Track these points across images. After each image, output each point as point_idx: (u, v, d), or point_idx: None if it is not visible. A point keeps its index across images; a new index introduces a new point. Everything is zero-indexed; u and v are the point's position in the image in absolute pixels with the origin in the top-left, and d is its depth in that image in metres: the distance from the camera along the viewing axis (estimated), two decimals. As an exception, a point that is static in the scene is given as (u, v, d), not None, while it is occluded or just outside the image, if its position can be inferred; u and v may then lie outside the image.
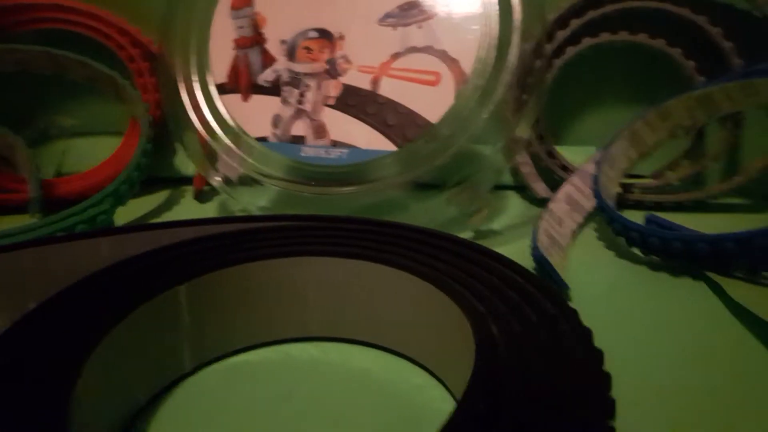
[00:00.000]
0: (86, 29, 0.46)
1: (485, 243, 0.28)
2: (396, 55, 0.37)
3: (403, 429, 0.22)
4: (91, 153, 0.52)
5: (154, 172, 0.48)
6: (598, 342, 0.19)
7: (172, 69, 0.40)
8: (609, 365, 0.18)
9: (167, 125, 0.43)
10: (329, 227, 0.28)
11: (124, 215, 0.42)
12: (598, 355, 0.19)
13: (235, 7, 0.40)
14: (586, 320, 0.20)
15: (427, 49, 0.37)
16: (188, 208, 0.47)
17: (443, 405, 0.22)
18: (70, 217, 0.36)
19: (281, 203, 0.39)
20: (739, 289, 0.30)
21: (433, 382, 0.24)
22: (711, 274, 0.32)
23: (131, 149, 0.47)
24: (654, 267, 0.35)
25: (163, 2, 0.41)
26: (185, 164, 0.52)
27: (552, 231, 0.36)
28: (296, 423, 0.22)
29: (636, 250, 0.36)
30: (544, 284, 0.23)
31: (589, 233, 0.41)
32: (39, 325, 0.20)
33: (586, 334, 0.20)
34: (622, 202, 0.46)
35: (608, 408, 0.17)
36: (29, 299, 0.23)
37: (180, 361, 0.24)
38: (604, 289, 0.32)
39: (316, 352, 0.26)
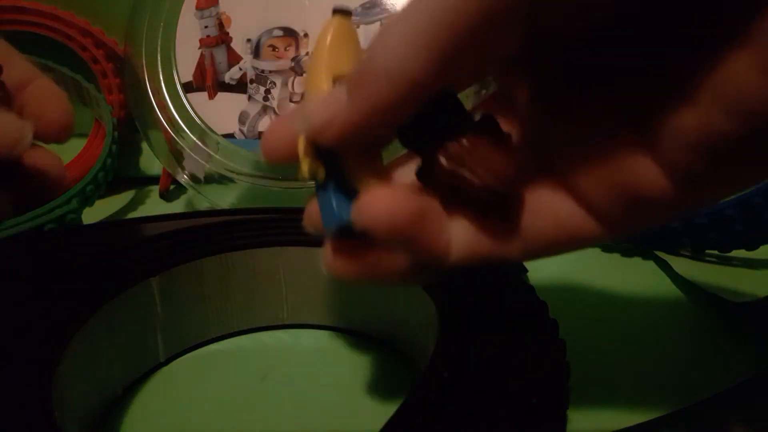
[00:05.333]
0: (48, 31, 0.45)
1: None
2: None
3: (372, 403, 0.23)
4: (54, 155, 0.51)
5: (120, 173, 0.48)
6: (554, 314, 0.21)
7: (138, 69, 0.41)
8: (564, 334, 0.20)
9: (132, 126, 0.43)
10: (300, 218, 0.29)
11: (90, 216, 0.42)
12: (553, 325, 0.20)
13: (200, 7, 0.40)
14: (543, 297, 0.22)
15: (389, 46, 0.38)
16: (155, 208, 0.47)
17: (411, 381, 0.24)
18: (37, 217, 0.36)
19: (249, 199, 0.40)
20: (684, 266, 0.32)
21: (402, 359, 0.25)
22: (660, 253, 0.34)
23: (96, 151, 0.47)
24: (607, 249, 0.36)
25: (127, 3, 0.41)
26: (150, 164, 0.52)
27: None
28: (270, 404, 0.23)
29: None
30: (503, 266, 0.24)
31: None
32: (14, 319, 0.20)
33: (542, 306, 0.21)
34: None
35: (564, 371, 0.18)
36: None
37: (154, 351, 0.25)
38: (560, 270, 0.33)
39: (288, 339, 0.27)
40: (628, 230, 0.15)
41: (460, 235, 0.15)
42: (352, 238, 0.16)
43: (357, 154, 0.15)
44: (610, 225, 0.15)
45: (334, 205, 0.15)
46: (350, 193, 0.15)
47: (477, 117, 0.14)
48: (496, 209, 0.15)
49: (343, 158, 0.15)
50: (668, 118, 0.13)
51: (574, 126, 0.15)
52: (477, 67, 0.14)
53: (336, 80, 0.15)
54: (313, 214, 0.17)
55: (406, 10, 0.13)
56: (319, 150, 0.15)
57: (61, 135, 0.22)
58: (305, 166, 0.15)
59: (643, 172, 0.14)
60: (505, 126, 0.15)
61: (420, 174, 0.15)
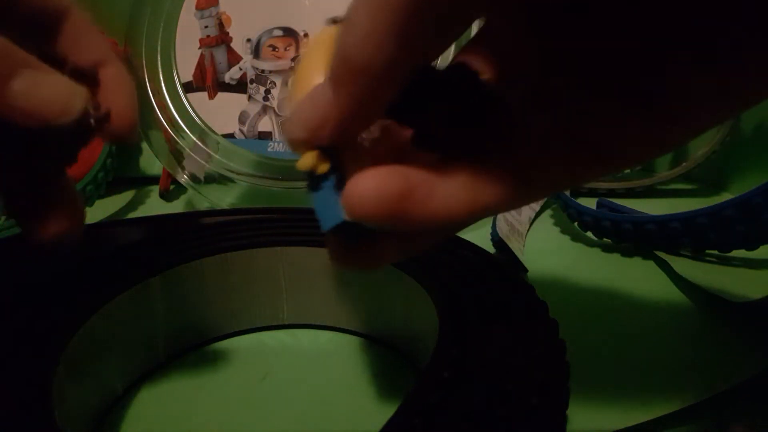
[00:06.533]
0: (47, 30, 0.45)
1: (448, 229, 0.29)
2: (358, 52, 0.38)
3: (372, 403, 0.23)
4: (54, 155, 0.51)
5: (120, 173, 0.48)
6: (554, 314, 0.21)
7: (138, 69, 0.41)
8: (564, 334, 0.20)
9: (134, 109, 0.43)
10: (300, 219, 0.29)
11: (91, 216, 0.42)
12: (553, 325, 0.20)
13: (200, 7, 0.40)
14: (544, 297, 0.22)
15: (389, 46, 0.38)
16: (155, 207, 0.47)
17: (411, 381, 0.24)
18: (37, 217, 0.36)
19: (249, 198, 0.40)
20: (684, 266, 0.32)
21: (402, 359, 0.25)
22: (660, 253, 0.34)
23: (95, 151, 0.47)
24: (607, 249, 0.36)
25: (127, 3, 0.41)
26: (150, 164, 0.52)
27: (511, 219, 0.37)
28: (270, 404, 0.23)
29: (590, 234, 0.37)
30: (503, 265, 0.25)
31: (546, 220, 0.43)
32: (14, 319, 0.20)
33: (542, 306, 0.21)
34: (577, 190, 0.48)
35: (564, 371, 0.18)
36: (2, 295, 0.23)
37: (155, 350, 0.25)
38: (560, 270, 0.33)
39: (288, 339, 0.27)
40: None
41: (459, 193, 0.15)
42: (351, 235, 0.15)
43: (352, 147, 0.15)
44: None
45: (333, 202, 0.15)
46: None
47: (452, 71, 0.14)
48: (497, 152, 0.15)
49: (341, 153, 0.15)
50: None
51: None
52: (450, 29, 0.14)
53: None
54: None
55: None
56: (321, 148, 0.15)
57: (132, 133, 0.21)
58: (308, 160, 0.15)
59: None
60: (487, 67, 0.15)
61: (417, 142, 0.15)
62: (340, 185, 0.15)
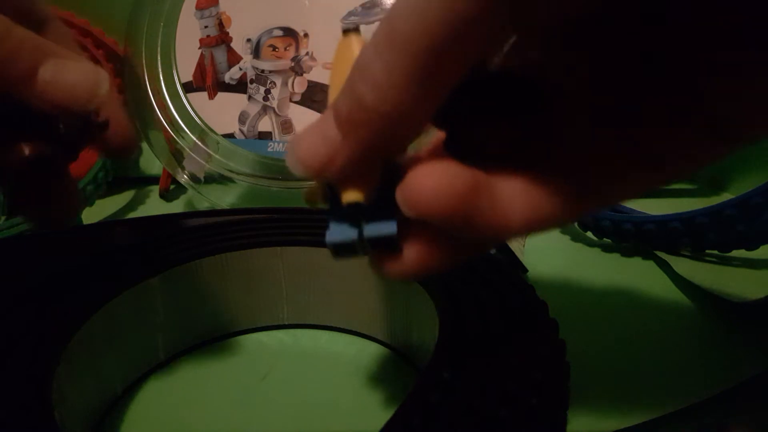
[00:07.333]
0: (47, 30, 0.45)
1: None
2: (359, 52, 0.38)
3: (372, 403, 0.23)
4: (54, 155, 0.51)
5: (120, 173, 0.48)
6: (554, 314, 0.21)
7: (138, 69, 0.41)
8: (564, 334, 0.20)
9: (132, 126, 0.43)
10: (300, 218, 0.29)
11: (91, 216, 0.42)
12: (553, 325, 0.20)
13: (200, 7, 0.40)
14: (544, 297, 0.22)
15: (389, 46, 0.38)
16: (155, 207, 0.47)
17: (411, 381, 0.24)
18: (37, 217, 0.36)
19: (249, 198, 0.40)
20: (684, 266, 0.32)
21: (402, 359, 0.25)
22: (660, 253, 0.34)
23: (95, 151, 0.47)
24: (607, 249, 0.36)
25: (126, 3, 0.41)
26: (150, 164, 0.52)
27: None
28: (270, 404, 0.23)
29: (590, 234, 0.37)
30: (503, 265, 0.24)
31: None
32: (15, 318, 0.20)
33: (542, 306, 0.21)
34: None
35: (563, 371, 0.18)
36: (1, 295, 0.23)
37: (155, 350, 0.25)
38: (560, 270, 0.33)
39: (288, 339, 0.27)
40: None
41: (516, 201, 0.14)
42: (353, 255, 0.16)
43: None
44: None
45: (330, 227, 0.15)
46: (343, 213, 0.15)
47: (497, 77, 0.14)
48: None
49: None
50: None
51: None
52: (476, 59, 0.13)
53: None
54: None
55: (381, 40, 0.12)
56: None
57: (133, 145, 0.22)
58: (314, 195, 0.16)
59: None
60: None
61: (450, 145, 0.15)
62: (335, 211, 0.15)
